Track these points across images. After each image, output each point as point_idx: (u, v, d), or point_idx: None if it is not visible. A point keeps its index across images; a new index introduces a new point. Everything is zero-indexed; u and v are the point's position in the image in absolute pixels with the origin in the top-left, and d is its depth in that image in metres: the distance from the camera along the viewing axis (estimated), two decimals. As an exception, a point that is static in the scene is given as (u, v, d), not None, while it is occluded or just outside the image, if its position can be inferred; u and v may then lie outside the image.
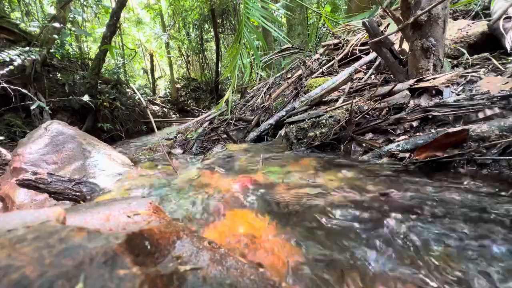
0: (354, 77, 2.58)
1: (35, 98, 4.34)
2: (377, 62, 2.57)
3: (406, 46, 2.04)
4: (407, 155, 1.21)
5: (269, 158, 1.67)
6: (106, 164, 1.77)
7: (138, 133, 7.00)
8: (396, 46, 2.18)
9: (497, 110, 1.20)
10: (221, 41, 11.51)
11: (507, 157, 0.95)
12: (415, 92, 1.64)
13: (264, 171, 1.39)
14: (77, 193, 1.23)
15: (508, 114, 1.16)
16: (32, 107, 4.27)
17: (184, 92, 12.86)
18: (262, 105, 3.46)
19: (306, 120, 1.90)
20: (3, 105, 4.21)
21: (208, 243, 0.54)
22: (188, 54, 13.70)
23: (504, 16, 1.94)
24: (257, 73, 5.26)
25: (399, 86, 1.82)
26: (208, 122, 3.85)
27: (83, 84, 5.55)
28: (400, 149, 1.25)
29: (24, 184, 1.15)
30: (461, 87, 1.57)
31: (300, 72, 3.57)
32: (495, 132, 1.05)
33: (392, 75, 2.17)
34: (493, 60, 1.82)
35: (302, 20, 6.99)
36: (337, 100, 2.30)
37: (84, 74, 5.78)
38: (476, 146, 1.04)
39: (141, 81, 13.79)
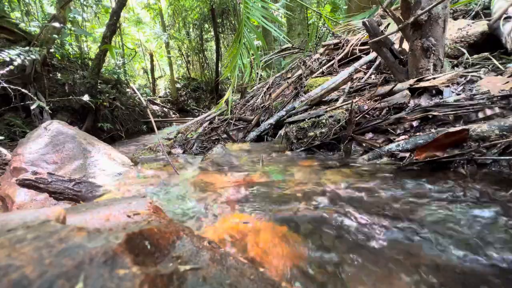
0: (354, 77, 2.58)
1: (35, 98, 4.33)
2: (377, 62, 2.57)
3: (406, 46, 2.04)
4: (407, 155, 1.21)
5: (269, 158, 1.67)
6: (106, 164, 1.77)
7: (138, 133, 6.99)
8: (396, 46, 2.18)
9: (497, 110, 1.20)
10: (221, 41, 11.50)
11: (507, 157, 0.95)
12: (415, 92, 1.64)
13: (264, 170, 1.39)
14: (77, 193, 1.23)
15: (508, 114, 1.16)
16: (32, 107, 4.27)
17: (184, 92, 12.86)
18: (262, 105, 3.46)
19: (306, 120, 1.90)
20: (3, 105, 4.21)
21: (208, 243, 0.54)
22: (188, 54, 13.68)
23: (504, 15, 1.94)
24: (257, 73, 5.25)
25: (399, 86, 1.82)
26: (208, 122, 3.85)
27: (83, 84, 5.54)
28: (400, 149, 1.25)
29: (24, 183, 1.15)
30: (461, 87, 1.56)
31: (300, 72, 3.57)
32: (495, 132, 1.05)
33: (392, 75, 2.16)
34: (493, 59, 1.82)
35: (302, 20, 6.98)
36: (337, 100, 2.30)
37: (84, 74, 5.78)
38: (476, 146, 1.04)
39: (141, 81, 13.77)
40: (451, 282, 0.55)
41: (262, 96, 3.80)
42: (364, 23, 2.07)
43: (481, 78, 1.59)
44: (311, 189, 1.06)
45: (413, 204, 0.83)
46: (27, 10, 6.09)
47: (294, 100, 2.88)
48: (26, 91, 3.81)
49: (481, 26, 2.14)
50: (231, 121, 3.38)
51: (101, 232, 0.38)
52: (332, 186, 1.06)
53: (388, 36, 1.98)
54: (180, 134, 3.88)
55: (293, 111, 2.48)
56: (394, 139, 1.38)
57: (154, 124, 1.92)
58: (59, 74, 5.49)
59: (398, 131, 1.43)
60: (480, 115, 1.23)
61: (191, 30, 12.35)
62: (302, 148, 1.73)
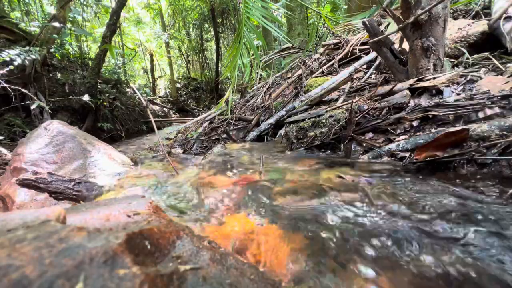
0: (354, 77, 2.58)
1: (35, 98, 4.34)
2: (377, 62, 2.57)
3: (406, 45, 2.04)
4: (407, 154, 1.21)
5: (269, 158, 1.67)
6: (106, 163, 1.77)
7: (138, 133, 7.00)
8: (396, 46, 2.18)
9: (497, 110, 1.20)
10: (221, 41, 11.51)
11: (507, 157, 0.95)
12: (415, 91, 1.64)
13: (264, 170, 1.39)
14: (77, 193, 1.23)
15: (508, 114, 1.16)
16: (32, 107, 4.27)
17: (184, 92, 12.88)
18: (262, 105, 3.46)
19: (306, 119, 1.90)
20: (3, 105, 4.21)
21: (208, 242, 0.54)
22: (188, 53, 13.70)
23: (505, 15, 1.94)
24: (257, 73, 5.25)
25: (399, 85, 1.82)
26: (208, 121, 3.85)
27: (83, 84, 5.54)
28: (400, 148, 1.25)
29: (24, 183, 1.15)
30: (461, 87, 1.56)
31: (300, 71, 3.57)
32: (495, 131, 1.05)
33: (392, 75, 2.16)
34: (494, 59, 1.82)
35: (302, 19, 6.99)
36: (337, 100, 2.30)
37: (84, 74, 5.78)
38: (476, 146, 1.03)
39: (141, 81, 13.79)
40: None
41: (262, 96, 3.80)
42: (364, 23, 2.07)
43: (481, 78, 1.59)
44: (311, 188, 1.06)
45: (413, 204, 0.83)
46: (27, 10, 6.09)
47: (294, 100, 2.88)
48: (26, 91, 3.81)
49: (481, 26, 2.14)
50: (231, 121, 3.39)
51: (101, 232, 0.38)
52: (332, 186, 1.06)
53: (388, 36, 1.98)
54: (180, 134, 3.88)
55: (293, 111, 2.48)
56: (394, 139, 1.38)
57: (154, 124, 1.92)
58: (59, 74, 5.49)
59: (398, 131, 1.43)
60: (480, 115, 1.23)
61: (191, 30, 12.37)
62: (302, 148, 1.73)
